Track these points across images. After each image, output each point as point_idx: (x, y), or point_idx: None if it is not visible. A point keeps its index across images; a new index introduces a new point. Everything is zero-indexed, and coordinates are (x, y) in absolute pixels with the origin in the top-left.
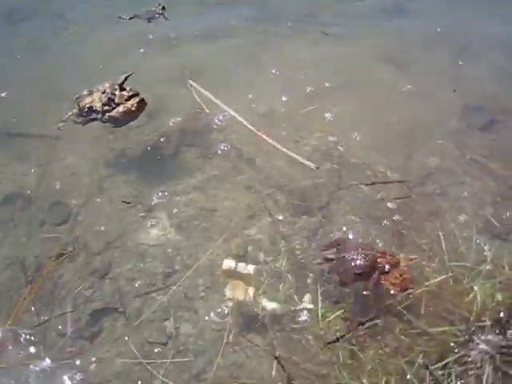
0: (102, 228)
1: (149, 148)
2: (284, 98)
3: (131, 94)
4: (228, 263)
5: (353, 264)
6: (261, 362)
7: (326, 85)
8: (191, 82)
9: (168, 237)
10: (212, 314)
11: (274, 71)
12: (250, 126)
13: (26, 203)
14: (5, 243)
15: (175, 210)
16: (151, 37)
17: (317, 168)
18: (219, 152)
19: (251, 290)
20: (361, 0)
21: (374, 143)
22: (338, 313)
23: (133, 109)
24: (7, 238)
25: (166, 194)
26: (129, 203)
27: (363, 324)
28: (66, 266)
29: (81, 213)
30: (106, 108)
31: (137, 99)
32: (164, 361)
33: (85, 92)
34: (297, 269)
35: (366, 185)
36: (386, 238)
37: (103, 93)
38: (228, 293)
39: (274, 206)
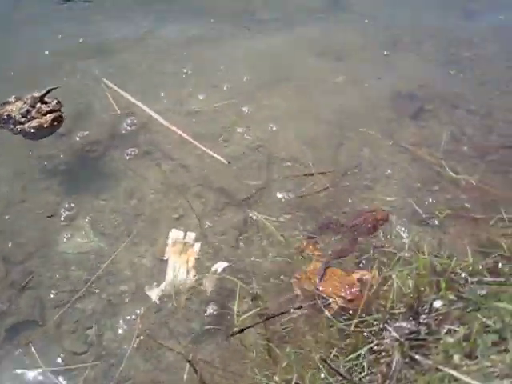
0: (24, 239)
1: (72, 155)
2: (201, 97)
3: (50, 108)
4: (176, 234)
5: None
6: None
7: (245, 79)
8: (106, 80)
9: (91, 244)
10: (134, 319)
11: (186, 70)
12: (166, 123)
13: None
14: None
15: (99, 217)
16: (60, 36)
17: (229, 163)
18: (141, 153)
19: (192, 271)
20: None
21: (303, 136)
22: (255, 310)
23: (45, 125)
24: None
25: (90, 200)
26: (51, 216)
27: (273, 317)
28: None
29: (0, 224)
30: (22, 119)
31: (52, 116)
32: (84, 365)
33: (12, 99)
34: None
35: (294, 177)
36: (313, 230)
37: (25, 103)
38: (169, 274)
39: (201, 204)
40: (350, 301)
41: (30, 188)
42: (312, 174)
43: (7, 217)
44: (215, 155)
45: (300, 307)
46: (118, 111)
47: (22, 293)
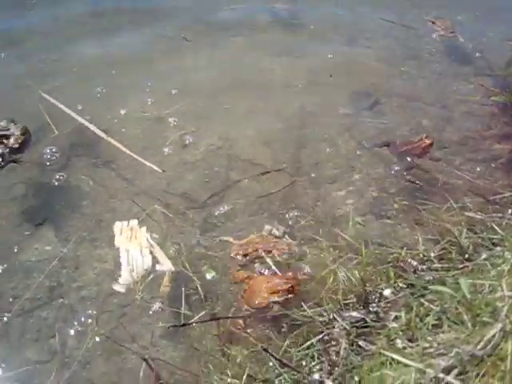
0: None
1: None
2: (151, 104)
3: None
4: (119, 224)
5: None
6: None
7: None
8: (43, 94)
9: (54, 251)
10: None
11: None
12: (105, 136)
13: None
14: None
15: (62, 224)
16: None
17: (163, 171)
18: (97, 163)
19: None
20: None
21: (264, 138)
22: (202, 313)
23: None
24: None
25: (53, 210)
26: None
27: (220, 319)
28: None
29: None
30: None
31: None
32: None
33: None
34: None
35: (253, 177)
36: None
37: None
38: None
39: (164, 208)
40: (290, 291)
41: None
42: (269, 172)
43: None
44: (149, 164)
45: (249, 316)
46: (56, 132)
47: None
